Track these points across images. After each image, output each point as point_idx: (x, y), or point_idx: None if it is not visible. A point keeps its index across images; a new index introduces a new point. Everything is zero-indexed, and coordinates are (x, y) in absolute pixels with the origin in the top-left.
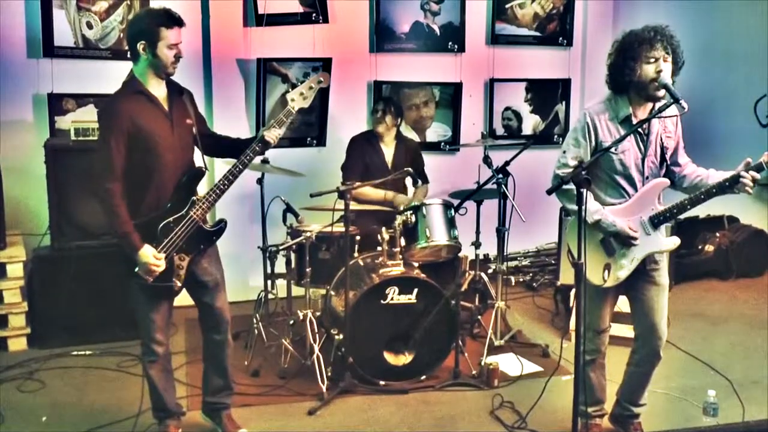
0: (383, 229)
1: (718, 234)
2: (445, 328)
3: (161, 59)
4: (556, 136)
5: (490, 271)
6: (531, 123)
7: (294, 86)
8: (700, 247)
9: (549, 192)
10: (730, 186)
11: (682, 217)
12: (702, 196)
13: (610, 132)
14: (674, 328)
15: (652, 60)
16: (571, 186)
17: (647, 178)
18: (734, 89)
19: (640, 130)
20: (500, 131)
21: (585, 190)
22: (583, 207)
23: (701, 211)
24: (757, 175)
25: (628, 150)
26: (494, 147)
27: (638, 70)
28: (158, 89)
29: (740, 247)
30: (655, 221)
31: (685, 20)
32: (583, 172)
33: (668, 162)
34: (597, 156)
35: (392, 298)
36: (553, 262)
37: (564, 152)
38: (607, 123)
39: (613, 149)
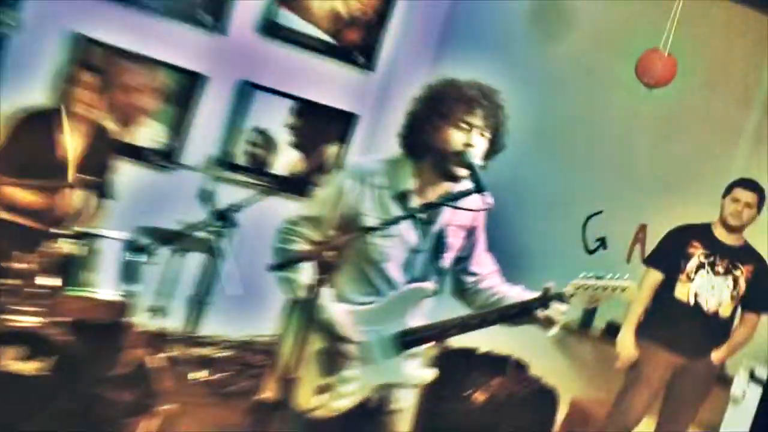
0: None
1: (495, 380)
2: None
3: None
4: (315, 187)
5: (164, 354)
6: (286, 160)
7: None
8: (467, 392)
9: (273, 268)
10: (518, 316)
11: (454, 342)
12: (475, 321)
13: (377, 205)
14: None
15: (465, 127)
16: (304, 267)
17: (413, 279)
18: (575, 196)
19: (421, 215)
20: (239, 159)
21: (321, 277)
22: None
23: (484, 341)
24: (560, 309)
25: (398, 237)
26: (224, 180)
27: (443, 133)
28: None
29: (520, 405)
30: (405, 340)
31: (529, 95)
32: (329, 252)
33: (451, 266)
34: (353, 236)
35: (8, 364)
36: (261, 364)
37: (304, 207)
38: (377, 191)
39: (375, 231)
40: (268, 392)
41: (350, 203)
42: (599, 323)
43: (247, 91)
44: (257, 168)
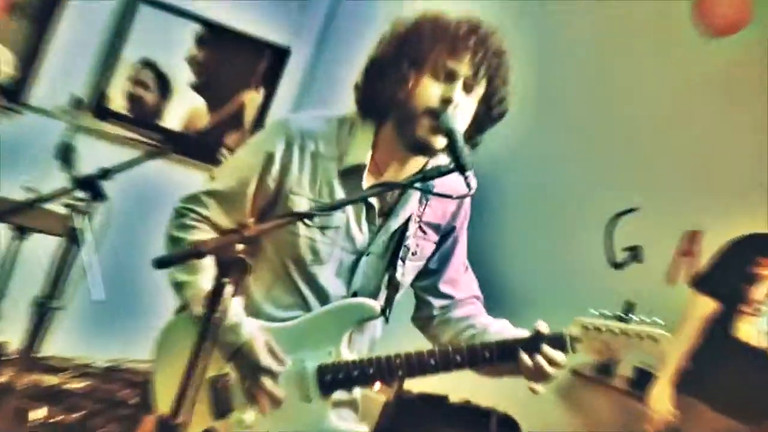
0: None
1: None
2: None
3: None
4: (225, 150)
5: None
6: (185, 108)
7: None
8: None
9: (158, 265)
10: (496, 360)
11: (414, 386)
12: (435, 362)
13: (315, 182)
14: None
15: (444, 75)
16: (203, 266)
17: (355, 293)
18: (596, 189)
19: (373, 200)
20: (116, 104)
21: (226, 280)
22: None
23: (458, 387)
24: (556, 357)
25: (337, 229)
26: (92, 132)
27: (413, 83)
28: None
29: None
30: (334, 378)
31: (536, 48)
32: (240, 246)
33: (412, 280)
34: (276, 223)
35: None
36: (131, 401)
37: (212, 178)
38: (316, 162)
39: (309, 218)
40: None
41: (276, 177)
42: (624, 369)
43: (132, 6)
44: (142, 118)
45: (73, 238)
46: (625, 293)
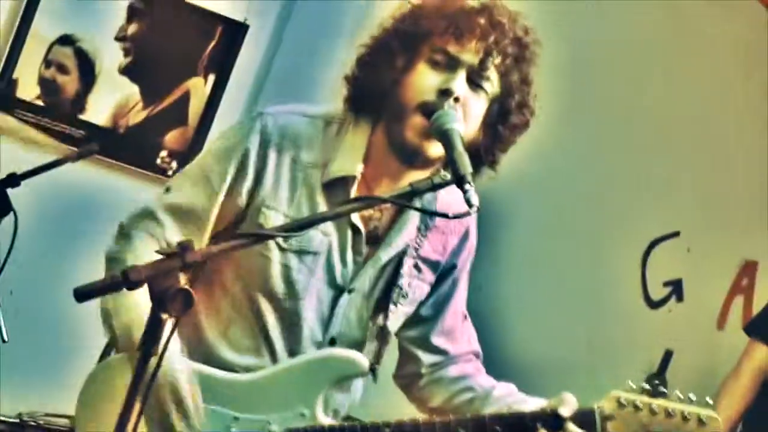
0: None
1: None
2: None
3: None
4: (165, 151)
5: None
6: (114, 98)
7: None
8: None
9: (80, 296)
10: None
11: None
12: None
13: (293, 196)
14: None
15: (443, 63)
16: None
17: (331, 338)
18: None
19: (359, 222)
20: (30, 90)
21: (165, 316)
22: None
23: None
24: None
25: (317, 255)
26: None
27: (408, 73)
28: None
29: None
30: None
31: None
32: (182, 274)
33: (400, 328)
34: (228, 246)
35: None
36: None
37: (166, 190)
38: (296, 170)
39: (282, 239)
40: None
41: (249, 186)
42: None
43: None
44: (59, 109)
45: None
46: (665, 338)
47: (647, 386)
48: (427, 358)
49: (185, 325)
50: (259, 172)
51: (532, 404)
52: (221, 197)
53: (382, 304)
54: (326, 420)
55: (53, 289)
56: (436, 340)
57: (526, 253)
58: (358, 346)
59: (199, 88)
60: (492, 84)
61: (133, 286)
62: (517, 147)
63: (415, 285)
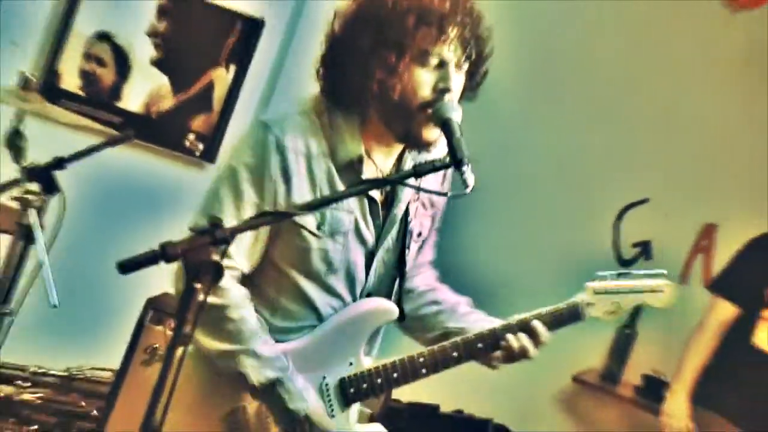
0: None
1: None
2: None
3: None
4: (192, 135)
5: None
6: (145, 88)
7: None
8: None
9: (125, 268)
10: (486, 350)
11: (401, 395)
12: (463, 352)
13: (314, 185)
14: None
15: (435, 61)
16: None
17: (368, 293)
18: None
19: (375, 193)
20: (72, 82)
21: (198, 286)
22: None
23: (448, 396)
24: (543, 336)
25: (347, 233)
26: (42, 115)
27: (401, 76)
28: None
29: None
30: (351, 390)
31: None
32: (213, 248)
33: (412, 266)
34: (252, 224)
35: None
36: (95, 412)
37: (205, 209)
38: (311, 163)
39: (316, 228)
40: None
41: (284, 196)
42: (632, 375)
43: None
44: (98, 98)
45: (24, 236)
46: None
47: (611, 273)
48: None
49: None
50: (288, 179)
51: (487, 319)
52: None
53: (401, 252)
54: (370, 364)
55: (94, 258)
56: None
57: (503, 222)
58: (389, 294)
59: (222, 77)
60: (468, 59)
61: (170, 259)
62: (497, 122)
63: (425, 222)
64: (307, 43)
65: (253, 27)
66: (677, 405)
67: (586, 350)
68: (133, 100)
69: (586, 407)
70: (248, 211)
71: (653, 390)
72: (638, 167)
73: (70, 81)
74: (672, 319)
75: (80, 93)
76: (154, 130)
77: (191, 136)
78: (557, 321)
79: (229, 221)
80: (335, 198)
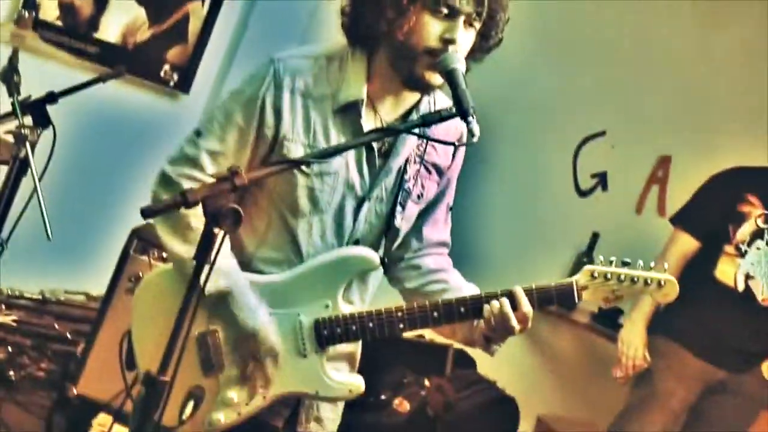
0: None
1: (428, 381)
2: None
3: None
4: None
5: None
6: (122, 19)
7: None
8: (385, 396)
9: (146, 214)
10: (467, 315)
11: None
12: (443, 314)
13: (309, 126)
14: None
15: (444, 12)
16: (194, 215)
17: (355, 240)
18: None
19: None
20: (53, 15)
21: (223, 232)
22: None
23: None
24: (527, 311)
25: (336, 174)
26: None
27: (410, 18)
28: None
29: (462, 421)
30: (325, 332)
31: None
32: (232, 195)
33: (410, 224)
34: (271, 170)
35: None
36: (69, 335)
37: (198, 135)
38: (308, 103)
39: (305, 165)
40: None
41: (272, 125)
42: (588, 304)
43: None
44: (76, 29)
45: (17, 168)
46: (592, 222)
47: (613, 259)
48: (415, 244)
49: (232, 245)
50: (278, 113)
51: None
52: (251, 140)
53: (393, 206)
54: (347, 310)
55: (82, 189)
56: (426, 231)
57: (467, 158)
58: (377, 246)
59: (198, 10)
60: (480, 18)
61: (190, 205)
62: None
63: (428, 186)
64: None
65: None
66: (634, 333)
67: (543, 275)
68: (110, 31)
69: (542, 332)
70: (233, 135)
71: (610, 317)
72: (594, 101)
73: (49, 12)
74: (628, 248)
75: (58, 23)
76: (130, 60)
77: (166, 67)
78: (546, 298)
79: (213, 141)
80: (350, 146)
